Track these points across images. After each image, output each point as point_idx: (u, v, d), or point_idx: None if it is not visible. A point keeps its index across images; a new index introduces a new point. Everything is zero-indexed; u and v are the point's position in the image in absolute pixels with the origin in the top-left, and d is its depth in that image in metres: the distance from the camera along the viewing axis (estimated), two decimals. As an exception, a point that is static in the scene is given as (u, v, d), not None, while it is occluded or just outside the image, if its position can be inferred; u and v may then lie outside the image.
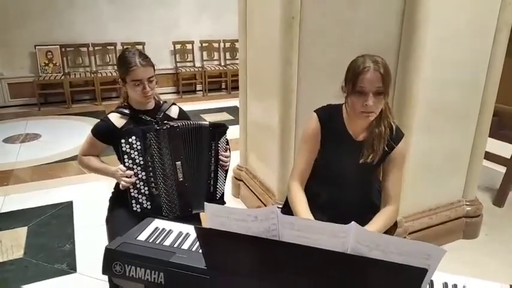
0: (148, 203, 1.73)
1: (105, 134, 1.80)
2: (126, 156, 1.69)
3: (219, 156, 1.87)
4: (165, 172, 1.74)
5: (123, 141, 1.68)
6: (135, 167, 1.70)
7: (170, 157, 1.74)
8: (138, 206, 1.72)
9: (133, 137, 1.68)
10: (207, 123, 1.85)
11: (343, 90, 1.53)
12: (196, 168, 1.81)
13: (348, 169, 1.62)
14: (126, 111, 1.81)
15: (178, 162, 1.75)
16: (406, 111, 2.09)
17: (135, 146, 1.69)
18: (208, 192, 1.86)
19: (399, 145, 1.59)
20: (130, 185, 1.70)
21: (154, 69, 1.80)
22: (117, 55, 6.38)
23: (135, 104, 1.83)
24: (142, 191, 1.72)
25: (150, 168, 1.72)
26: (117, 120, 1.80)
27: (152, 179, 1.72)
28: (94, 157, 1.85)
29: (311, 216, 1.57)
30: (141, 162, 1.71)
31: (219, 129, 1.86)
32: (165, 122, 1.78)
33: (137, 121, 1.79)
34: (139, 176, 1.71)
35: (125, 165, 1.70)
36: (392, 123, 1.59)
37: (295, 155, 1.75)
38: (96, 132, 1.82)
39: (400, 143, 1.59)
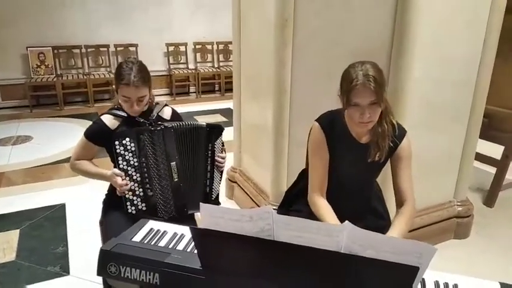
0: (143, 204, 1.72)
1: (98, 136, 1.78)
2: (120, 158, 1.69)
3: (215, 157, 1.88)
4: (160, 173, 1.74)
5: (116, 142, 1.67)
6: (129, 168, 1.70)
7: (165, 158, 1.74)
8: (133, 208, 1.71)
9: (128, 139, 1.68)
10: (204, 124, 1.86)
11: (340, 98, 1.52)
12: (193, 168, 1.82)
13: (356, 172, 1.63)
14: (120, 113, 1.80)
15: (173, 163, 1.76)
16: (398, 110, 2.09)
17: (129, 147, 1.69)
18: (204, 193, 1.88)
19: (403, 142, 1.61)
20: (126, 191, 1.70)
21: (150, 88, 1.76)
22: (110, 57, 6.37)
23: None
24: (137, 192, 1.71)
25: (145, 170, 1.71)
26: (110, 121, 1.78)
27: (147, 180, 1.72)
28: (87, 161, 1.82)
29: None
30: (136, 164, 1.70)
31: (216, 130, 1.88)
32: (159, 123, 1.78)
33: (131, 123, 1.78)
34: (134, 177, 1.71)
35: (119, 167, 1.69)
36: (393, 121, 1.60)
37: (309, 170, 1.66)
38: (89, 134, 1.79)
39: (403, 140, 1.61)
